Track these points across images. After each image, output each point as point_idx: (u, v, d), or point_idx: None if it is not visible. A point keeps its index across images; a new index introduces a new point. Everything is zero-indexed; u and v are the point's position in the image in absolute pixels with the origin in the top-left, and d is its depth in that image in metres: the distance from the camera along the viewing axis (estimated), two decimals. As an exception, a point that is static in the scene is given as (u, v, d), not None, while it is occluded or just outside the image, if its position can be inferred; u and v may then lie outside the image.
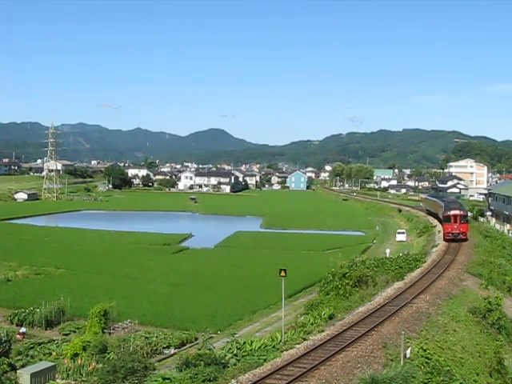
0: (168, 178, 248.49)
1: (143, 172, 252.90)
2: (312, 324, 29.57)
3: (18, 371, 25.35)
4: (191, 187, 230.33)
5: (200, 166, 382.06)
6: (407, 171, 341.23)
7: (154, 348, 32.19)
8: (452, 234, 60.68)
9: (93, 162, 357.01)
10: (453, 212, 62.00)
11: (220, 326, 36.88)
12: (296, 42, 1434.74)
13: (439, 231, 70.76)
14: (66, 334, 35.64)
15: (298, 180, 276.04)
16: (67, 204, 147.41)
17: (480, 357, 27.62)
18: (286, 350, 24.04)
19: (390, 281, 40.21)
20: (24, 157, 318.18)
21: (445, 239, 61.75)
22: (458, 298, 35.35)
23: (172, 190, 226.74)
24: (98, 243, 75.72)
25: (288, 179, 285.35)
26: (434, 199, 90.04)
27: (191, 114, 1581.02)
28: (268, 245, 78.16)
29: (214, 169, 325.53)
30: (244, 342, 26.28)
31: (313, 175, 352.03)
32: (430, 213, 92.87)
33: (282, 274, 28.00)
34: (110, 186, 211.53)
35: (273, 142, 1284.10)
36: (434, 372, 21.37)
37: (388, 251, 64.41)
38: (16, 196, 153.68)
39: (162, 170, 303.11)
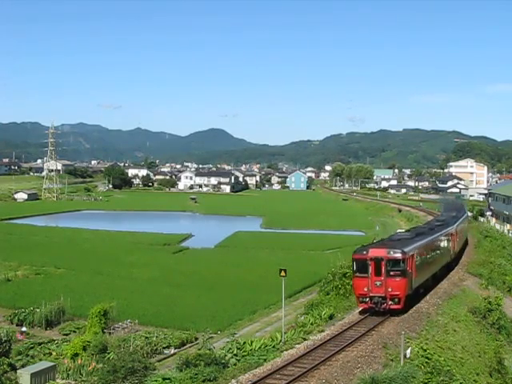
0: (168, 178, 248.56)
1: (143, 172, 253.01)
2: (312, 324, 29.56)
3: (18, 371, 25.37)
4: (191, 187, 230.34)
5: (200, 165, 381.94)
6: (407, 171, 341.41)
7: (154, 348, 32.22)
8: (370, 298, 28.72)
9: (93, 162, 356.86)
10: (372, 252, 29.12)
11: (220, 326, 36.91)
12: (296, 42, 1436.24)
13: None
14: (66, 334, 35.66)
15: (298, 180, 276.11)
16: (67, 204, 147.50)
17: (480, 357, 27.63)
18: (286, 350, 24.05)
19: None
20: (24, 157, 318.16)
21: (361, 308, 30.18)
22: (458, 297, 35.32)
23: (172, 190, 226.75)
24: (97, 243, 75.76)
25: (288, 179, 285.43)
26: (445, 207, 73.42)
27: (191, 113, 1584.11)
28: (268, 245, 78.17)
29: (214, 169, 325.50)
30: (244, 342, 26.28)
31: (313, 175, 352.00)
32: None
33: (282, 273, 28.00)
34: (110, 186, 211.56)
35: (273, 141, 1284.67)
36: (434, 372, 21.38)
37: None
38: (16, 196, 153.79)
39: (162, 170, 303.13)
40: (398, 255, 28.77)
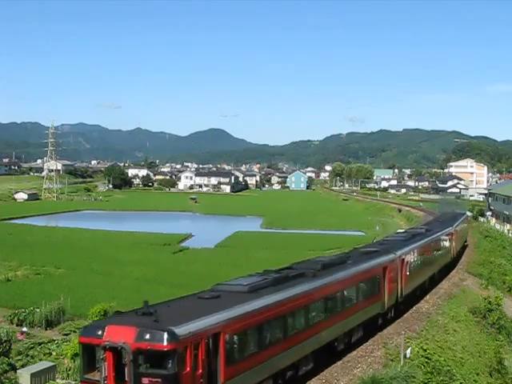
0: (168, 177, 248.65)
1: (143, 172, 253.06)
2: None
3: (18, 371, 25.33)
4: (191, 187, 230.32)
5: (200, 165, 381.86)
6: (407, 171, 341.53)
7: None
8: None
9: (93, 162, 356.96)
10: (109, 333, 13.59)
11: (220, 326, 36.80)
12: (296, 42, 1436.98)
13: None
14: (66, 334, 35.56)
15: (298, 180, 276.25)
16: (67, 204, 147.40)
17: (480, 357, 27.64)
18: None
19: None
20: (24, 157, 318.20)
21: None
22: (458, 297, 35.35)
23: (172, 190, 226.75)
24: (98, 243, 75.69)
25: (288, 179, 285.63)
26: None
27: (191, 113, 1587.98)
28: (268, 245, 78.15)
29: (214, 169, 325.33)
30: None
31: (313, 175, 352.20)
32: None
33: (282, 273, 27.71)
34: (110, 186, 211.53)
35: (273, 141, 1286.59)
36: (434, 372, 21.39)
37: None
38: (16, 196, 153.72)
39: (162, 169, 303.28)
40: (160, 343, 13.31)
